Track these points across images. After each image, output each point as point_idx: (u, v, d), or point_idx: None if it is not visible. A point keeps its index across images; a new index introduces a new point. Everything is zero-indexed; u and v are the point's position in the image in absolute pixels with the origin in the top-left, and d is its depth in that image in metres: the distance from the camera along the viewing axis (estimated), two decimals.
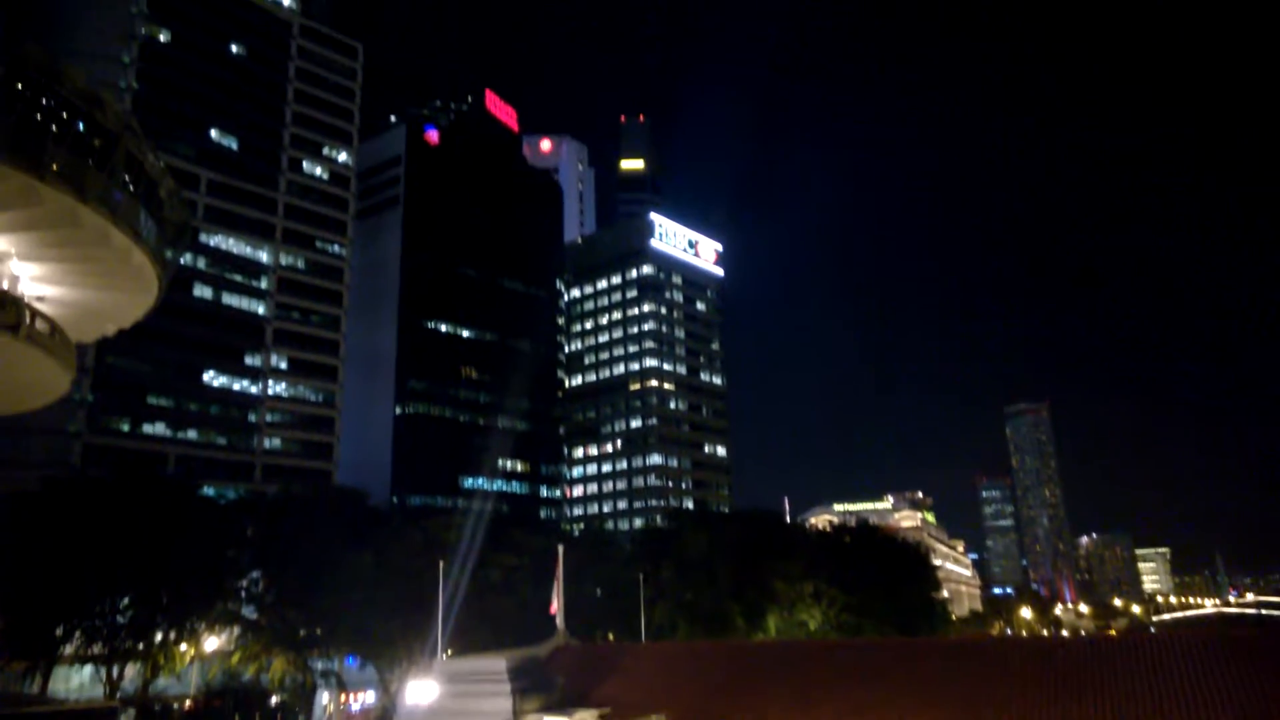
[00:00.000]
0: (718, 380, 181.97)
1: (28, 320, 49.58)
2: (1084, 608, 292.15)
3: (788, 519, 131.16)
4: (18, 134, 44.36)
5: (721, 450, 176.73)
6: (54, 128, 46.73)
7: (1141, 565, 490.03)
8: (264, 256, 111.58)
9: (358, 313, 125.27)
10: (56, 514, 55.38)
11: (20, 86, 45.34)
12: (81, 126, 48.15)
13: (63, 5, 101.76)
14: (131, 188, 51.07)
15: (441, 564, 52.87)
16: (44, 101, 46.29)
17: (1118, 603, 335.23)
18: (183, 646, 60.07)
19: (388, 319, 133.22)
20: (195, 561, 57.57)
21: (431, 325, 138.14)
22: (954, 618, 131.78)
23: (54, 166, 46.47)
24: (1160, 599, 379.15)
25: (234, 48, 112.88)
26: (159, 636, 58.30)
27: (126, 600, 57.01)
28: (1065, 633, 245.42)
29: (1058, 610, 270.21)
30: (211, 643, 65.33)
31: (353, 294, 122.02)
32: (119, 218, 49.69)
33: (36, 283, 52.11)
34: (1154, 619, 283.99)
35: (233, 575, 62.39)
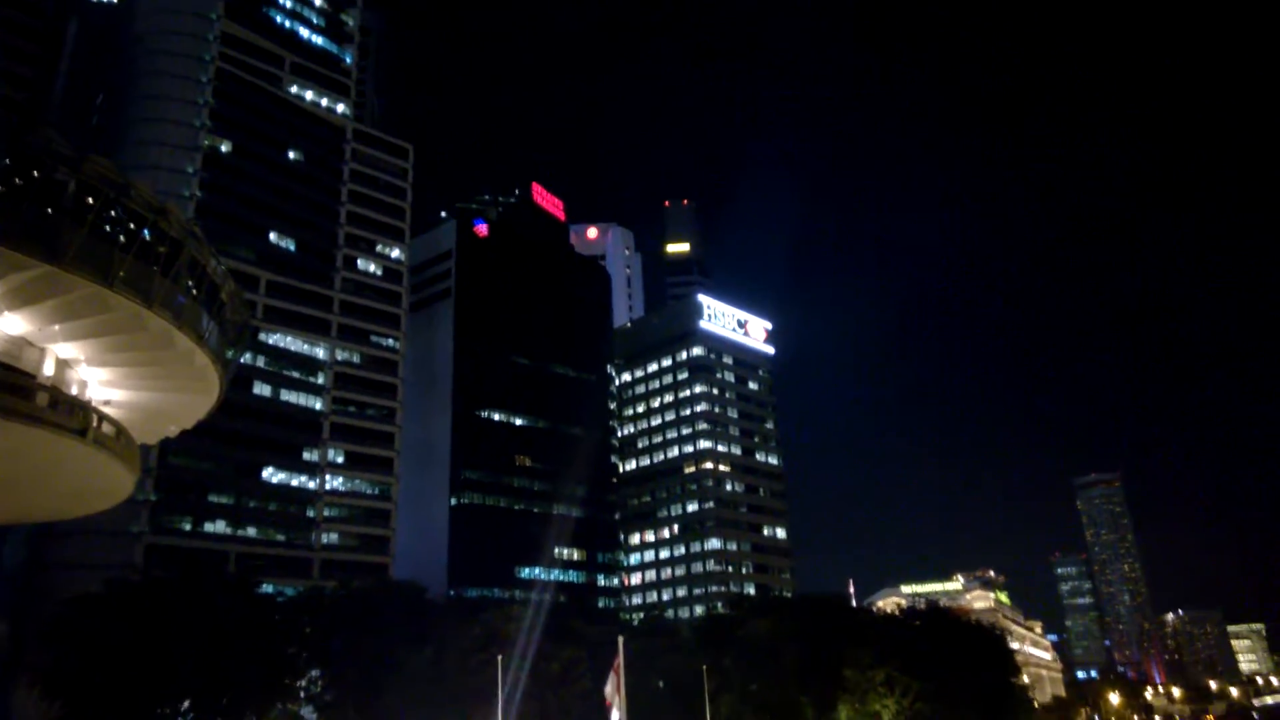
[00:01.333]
0: (774, 460, 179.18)
1: (95, 424, 50.71)
2: (1176, 691, 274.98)
3: (854, 603, 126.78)
4: (88, 245, 46.16)
5: (781, 532, 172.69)
6: (122, 237, 48.54)
7: (1235, 643, 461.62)
8: (320, 353, 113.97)
9: (412, 405, 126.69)
10: (119, 616, 55.55)
11: (91, 200, 47.40)
12: (148, 235, 49.96)
13: (132, 125, 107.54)
14: (195, 292, 52.56)
15: (500, 658, 51.72)
16: (112, 213, 48.26)
17: (1213, 685, 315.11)
18: None
19: (441, 410, 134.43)
20: (255, 661, 57.08)
21: (485, 415, 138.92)
22: (1036, 704, 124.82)
23: (121, 274, 48.08)
24: (1260, 679, 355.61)
25: (291, 154, 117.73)
26: None
27: (187, 702, 56.55)
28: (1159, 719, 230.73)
29: (1148, 694, 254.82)
30: None
31: (407, 386, 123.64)
32: (183, 321, 51.02)
33: (104, 387, 53.53)
34: (1255, 702, 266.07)
35: (292, 674, 61.74)
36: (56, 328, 46.64)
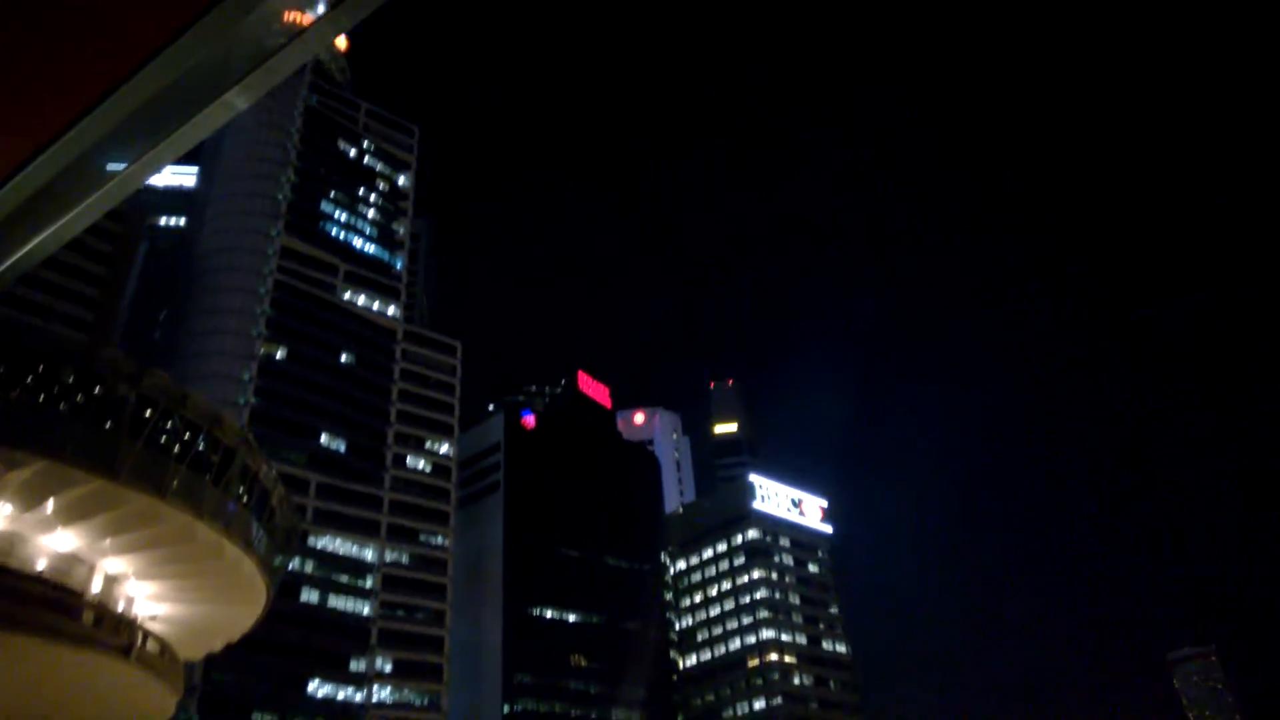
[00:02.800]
0: (841, 648, 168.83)
1: (139, 643, 48.90)
2: None
3: None
4: (143, 458, 46.25)
5: None
6: (176, 448, 48.68)
7: None
8: (369, 555, 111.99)
9: (461, 605, 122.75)
10: None
11: (148, 412, 47.91)
12: (202, 444, 50.10)
13: (193, 337, 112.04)
14: (245, 499, 52.04)
15: None
16: (169, 424, 48.65)
17: None
18: None
19: (492, 608, 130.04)
20: None
21: (537, 612, 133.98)
22: None
23: (174, 485, 47.91)
24: None
25: (343, 357, 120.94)
26: None
27: None
28: None
29: None
30: None
31: (456, 585, 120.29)
32: (232, 530, 50.24)
33: (150, 601, 52.10)
34: None
35: None
36: (107, 542, 45.94)
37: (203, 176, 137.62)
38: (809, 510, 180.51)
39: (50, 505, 42.41)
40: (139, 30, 5.59)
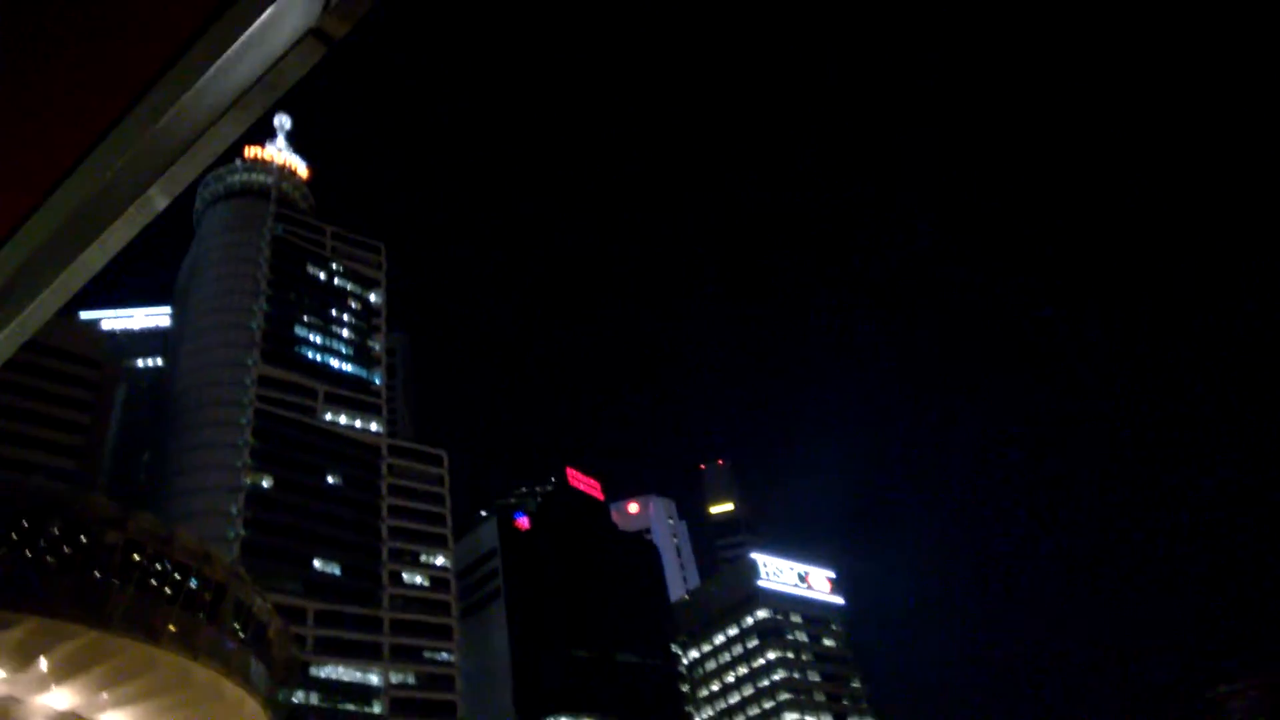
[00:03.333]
0: None
1: None
2: None
3: None
4: (134, 604, 45.49)
5: None
6: (167, 589, 47.93)
7: None
8: (374, 679, 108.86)
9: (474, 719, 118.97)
10: None
11: (136, 556, 47.31)
12: (193, 583, 49.39)
13: (177, 476, 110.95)
14: (241, 634, 51.07)
15: None
16: (158, 566, 48.01)
17: None
18: None
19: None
20: None
21: (550, 719, 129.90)
22: None
23: (170, 628, 47.02)
24: None
25: (330, 479, 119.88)
26: None
27: None
28: None
29: None
30: None
31: (466, 700, 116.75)
32: (231, 669, 49.12)
33: None
34: None
35: None
36: (104, 695, 44.74)
37: (176, 315, 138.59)
38: (816, 583, 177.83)
39: (43, 663, 41.41)
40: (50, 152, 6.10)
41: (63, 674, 42.39)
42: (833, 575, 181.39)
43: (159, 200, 7.72)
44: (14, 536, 43.31)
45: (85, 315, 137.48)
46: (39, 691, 42.94)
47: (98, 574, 45.39)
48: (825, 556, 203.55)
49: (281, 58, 6.75)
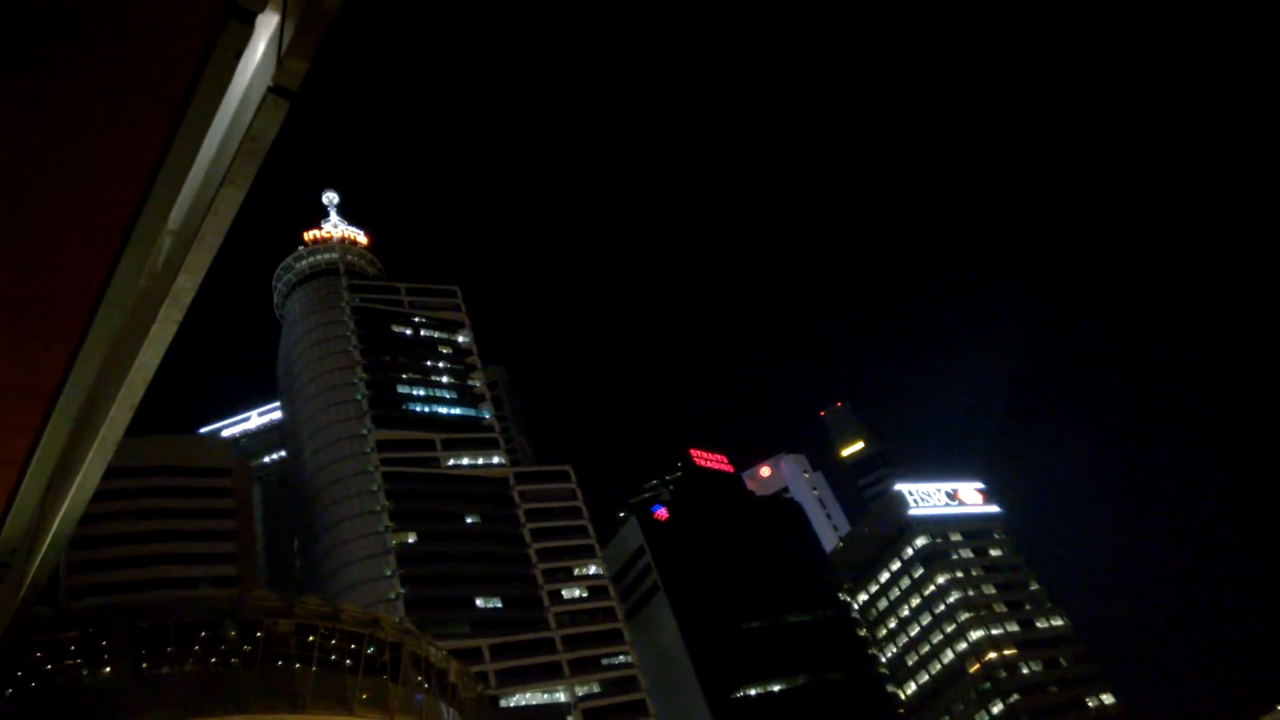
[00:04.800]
0: (1058, 621, 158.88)
1: None
2: None
3: None
4: (321, 680, 47.63)
5: (1108, 699, 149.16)
6: (348, 660, 50.00)
7: None
8: (561, 696, 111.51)
9: (666, 709, 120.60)
10: None
11: (310, 638, 49.45)
12: (370, 650, 51.37)
13: (329, 554, 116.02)
14: (426, 685, 52.91)
15: None
16: (332, 641, 50.08)
17: None
18: None
19: (696, 706, 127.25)
20: None
21: (740, 694, 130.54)
22: None
23: (361, 696, 49.05)
24: None
25: (468, 519, 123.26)
26: None
27: None
28: None
29: None
30: None
31: (655, 694, 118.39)
32: (425, 719, 50.97)
33: None
34: None
35: None
36: None
37: (285, 406, 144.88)
38: (967, 497, 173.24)
39: None
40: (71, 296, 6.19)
41: None
42: (982, 486, 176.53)
43: (187, 291, 7.71)
44: (197, 648, 45.81)
45: (206, 430, 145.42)
46: None
47: (280, 662, 47.64)
48: (972, 469, 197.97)
49: (251, 123, 6.71)
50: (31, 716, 40.60)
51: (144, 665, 44.46)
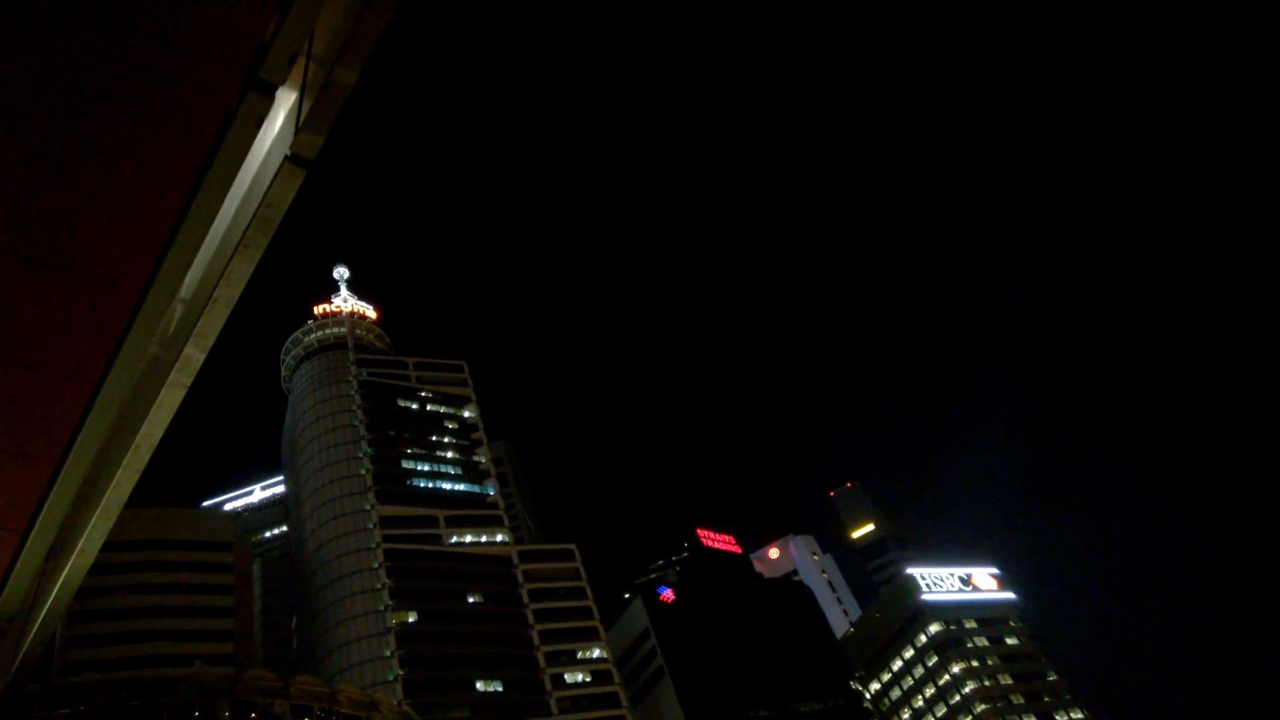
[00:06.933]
0: (1078, 715, 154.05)
1: None
2: None
3: None
4: None
5: None
6: None
7: None
8: None
9: None
10: None
11: (306, 719, 48.24)
12: None
13: (327, 632, 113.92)
14: None
15: None
16: None
17: None
18: None
19: None
20: None
21: None
22: None
23: None
24: None
25: (470, 599, 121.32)
26: None
27: None
28: None
29: None
30: None
31: None
32: None
33: None
34: None
35: None
36: None
37: (288, 480, 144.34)
38: (981, 583, 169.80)
39: None
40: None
41: None
42: (996, 572, 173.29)
43: (196, 358, 7.68)
44: None
45: (208, 503, 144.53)
46: None
47: None
48: (986, 554, 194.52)
49: (267, 190, 6.81)
50: None
51: None
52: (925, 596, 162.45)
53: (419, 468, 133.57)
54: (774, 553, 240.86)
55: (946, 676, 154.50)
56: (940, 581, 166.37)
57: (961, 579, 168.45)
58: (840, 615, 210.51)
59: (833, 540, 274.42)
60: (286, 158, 6.10)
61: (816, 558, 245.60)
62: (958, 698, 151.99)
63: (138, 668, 77.78)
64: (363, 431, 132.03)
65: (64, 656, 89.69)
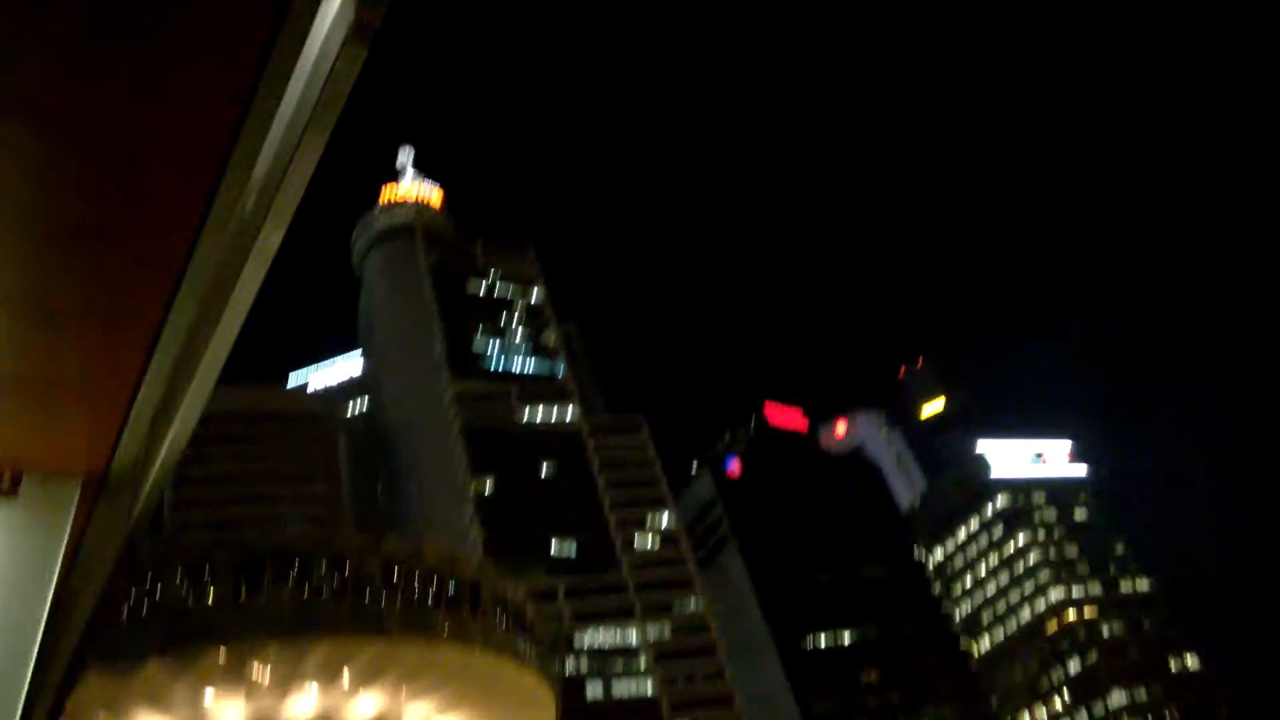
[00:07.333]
0: (1144, 585, 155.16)
1: None
2: None
3: None
4: (406, 614, 50.64)
5: (1193, 662, 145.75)
6: (429, 597, 52.90)
7: None
8: (633, 638, 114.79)
9: (737, 657, 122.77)
10: None
11: (395, 575, 52.44)
12: (451, 586, 54.17)
13: (411, 499, 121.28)
14: (504, 622, 55.59)
15: None
16: (415, 579, 53.02)
17: None
18: None
19: (767, 655, 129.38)
20: None
21: (811, 644, 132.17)
22: None
23: (443, 629, 51.94)
24: None
25: (544, 470, 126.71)
26: None
27: None
28: None
29: None
30: None
31: (725, 641, 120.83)
32: (504, 653, 53.68)
33: None
34: None
35: None
36: (402, 694, 50.17)
37: (368, 359, 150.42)
38: (1053, 457, 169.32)
39: (345, 676, 47.00)
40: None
41: (364, 681, 47.88)
42: (1070, 446, 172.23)
43: (273, 238, 8.50)
44: (292, 580, 49.13)
45: (294, 380, 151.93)
46: (349, 700, 48.76)
47: (368, 595, 50.71)
48: (1062, 426, 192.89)
49: (334, 64, 7.32)
50: (142, 636, 44.23)
51: (243, 594, 47.81)
52: (995, 473, 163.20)
53: (490, 347, 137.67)
54: (841, 428, 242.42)
55: (1012, 547, 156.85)
56: (1010, 454, 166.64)
57: (1035, 454, 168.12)
58: (906, 490, 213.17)
59: (902, 416, 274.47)
60: (350, 29, 6.06)
61: (884, 433, 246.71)
62: (1022, 567, 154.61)
63: (238, 528, 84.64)
64: (435, 313, 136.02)
65: (173, 518, 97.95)
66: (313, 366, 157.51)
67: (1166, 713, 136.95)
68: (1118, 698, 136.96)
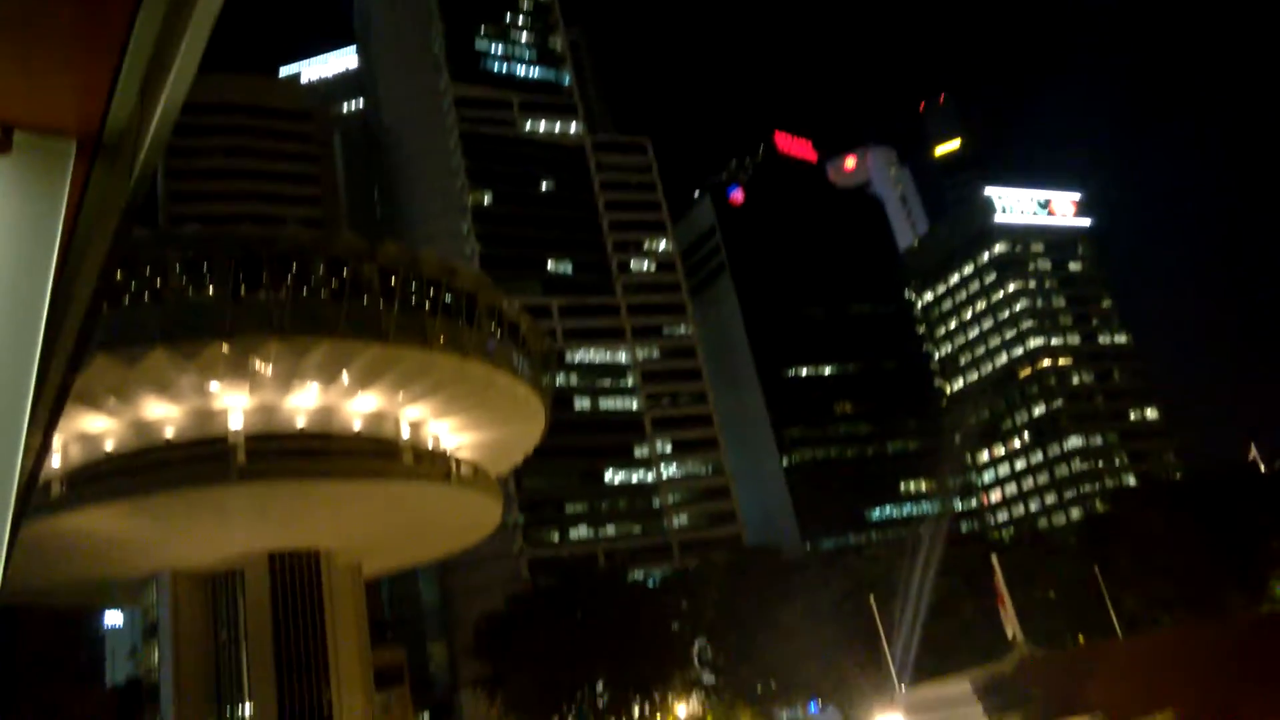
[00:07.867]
0: (1121, 339, 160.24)
1: (454, 469, 57.33)
2: None
3: (1262, 468, 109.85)
4: (402, 320, 52.11)
5: (1152, 413, 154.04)
6: (426, 304, 54.24)
7: None
8: (623, 357, 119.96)
9: (720, 382, 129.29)
10: (524, 625, 63.64)
11: (392, 280, 53.37)
12: (448, 296, 55.36)
13: (407, 205, 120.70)
14: (499, 334, 57.55)
15: (872, 598, 51.66)
16: (413, 284, 54.02)
17: None
18: (659, 717, 64.87)
19: (749, 380, 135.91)
20: (645, 641, 62.37)
21: (792, 374, 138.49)
22: None
23: (439, 336, 53.82)
24: None
25: (544, 185, 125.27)
26: (636, 711, 64.49)
27: (601, 684, 63.11)
28: None
29: None
30: (683, 710, 69.41)
31: (711, 366, 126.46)
32: (497, 363, 55.98)
33: (453, 435, 60.25)
34: None
35: (681, 646, 66.40)
36: (400, 395, 53.03)
37: (363, 53, 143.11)
38: (1059, 207, 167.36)
39: (345, 375, 49.42)
40: None
41: (362, 382, 50.42)
42: (1077, 197, 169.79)
43: None
44: (288, 278, 49.94)
45: (284, 70, 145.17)
46: (349, 399, 51.65)
47: (366, 300, 51.90)
48: (1071, 177, 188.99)
49: None
50: (141, 327, 45.40)
51: (242, 290, 48.58)
52: (998, 217, 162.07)
53: (493, 49, 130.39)
54: (850, 162, 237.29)
55: (1001, 293, 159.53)
56: (1017, 202, 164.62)
57: (1040, 202, 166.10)
58: (908, 230, 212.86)
59: (914, 155, 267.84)
60: None
61: (894, 170, 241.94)
62: (1007, 313, 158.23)
63: (234, 224, 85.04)
64: (434, 7, 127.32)
65: (168, 210, 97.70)
66: (305, 61, 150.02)
67: (1117, 458, 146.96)
68: (1074, 441, 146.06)
